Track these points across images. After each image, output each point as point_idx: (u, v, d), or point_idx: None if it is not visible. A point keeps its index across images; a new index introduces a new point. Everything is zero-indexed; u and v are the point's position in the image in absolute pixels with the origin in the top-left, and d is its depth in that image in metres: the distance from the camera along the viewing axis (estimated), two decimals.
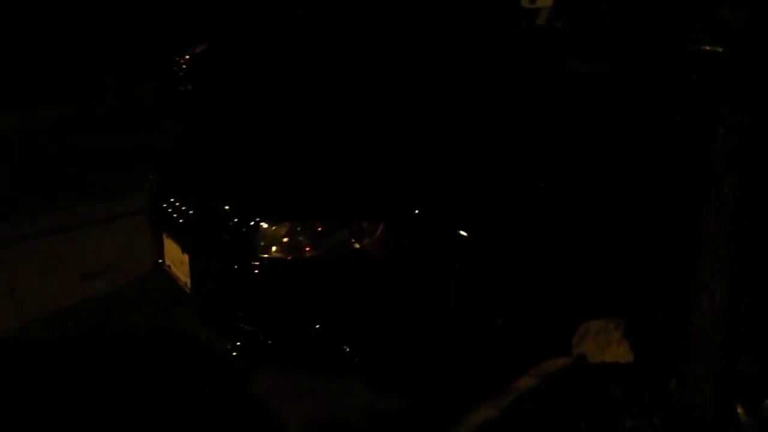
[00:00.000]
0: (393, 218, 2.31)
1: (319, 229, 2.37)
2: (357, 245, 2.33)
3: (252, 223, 2.43)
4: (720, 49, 2.00)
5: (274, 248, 2.40)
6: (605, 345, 2.35)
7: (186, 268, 2.70)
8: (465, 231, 2.35)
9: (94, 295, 3.51)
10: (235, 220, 2.49)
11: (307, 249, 2.37)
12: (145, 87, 8.87)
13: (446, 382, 2.45)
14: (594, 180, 2.64)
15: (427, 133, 2.62)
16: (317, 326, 2.37)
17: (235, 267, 2.46)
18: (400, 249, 2.31)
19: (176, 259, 2.79)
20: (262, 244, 2.41)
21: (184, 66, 8.09)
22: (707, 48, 2.73)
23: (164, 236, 2.88)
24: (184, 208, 2.74)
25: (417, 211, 2.33)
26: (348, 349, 2.35)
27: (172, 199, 2.82)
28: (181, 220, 2.74)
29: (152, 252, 3.07)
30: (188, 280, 2.70)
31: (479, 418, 2.08)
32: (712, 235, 1.86)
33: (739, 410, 1.96)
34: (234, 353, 2.56)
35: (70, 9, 10.36)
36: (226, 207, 2.55)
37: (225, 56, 7.97)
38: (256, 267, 2.42)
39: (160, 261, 2.99)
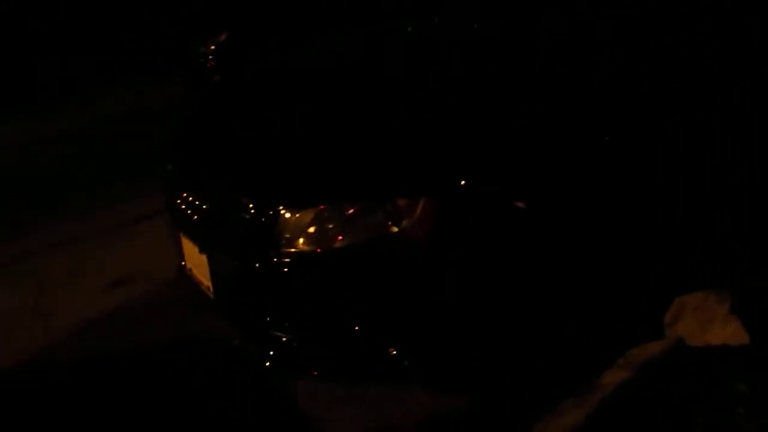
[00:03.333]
0: (434, 193, 1.92)
1: (350, 212, 2.01)
2: (395, 228, 1.95)
3: (272, 212, 2.08)
4: None
5: (300, 240, 2.05)
6: (707, 323, 1.93)
7: (206, 270, 2.38)
8: (521, 201, 1.95)
9: (120, 304, 3.25)
10: (253, 211, 2.14)
11: (338, 238, 2.01)
12: (157, 87, 8.60)
13: (516, 376, 2.08)
14: (670, 125, 2.19)
15: (462, 92, 2.21)
16: (357, 328, 2.01)
17: (258, 266, 2.12)
18: (445, 229, 1.92)
19: (195, 260, 2.47)
20: (287, 236, 2.06)
21: (210, 57, 7.80)
22: None
23: (181, 236, 2.56)
24: (197, 203, 2.41)
25: (462, 182, 1.94)
26: (396, 352, 1.99)
27: (185, 194, 2.50)
28: (195, 217, 2.41)
29: (175, 255, 2.78)
30: (210, 284, 2.38)
31: (564, 424, 1.69)
32: None
33: None
34: (267, 364, 2.23)
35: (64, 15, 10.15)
36: (242, 197, 2.20)
37: (252, 39, 7.62)
38: (281, 264, 2.08)
39: (183, 264, 2.68)
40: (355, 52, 2.88)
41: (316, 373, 2.17)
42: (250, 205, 2.15)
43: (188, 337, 2.87)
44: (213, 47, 7.91)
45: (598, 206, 2.02)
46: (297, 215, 2.05)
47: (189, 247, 2.51)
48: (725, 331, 1.89)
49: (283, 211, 2.07)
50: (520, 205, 1.94)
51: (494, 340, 2.00)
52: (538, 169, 1.98)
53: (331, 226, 2.02)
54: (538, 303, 1.98)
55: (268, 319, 2.16)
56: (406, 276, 1.95)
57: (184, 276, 2.70)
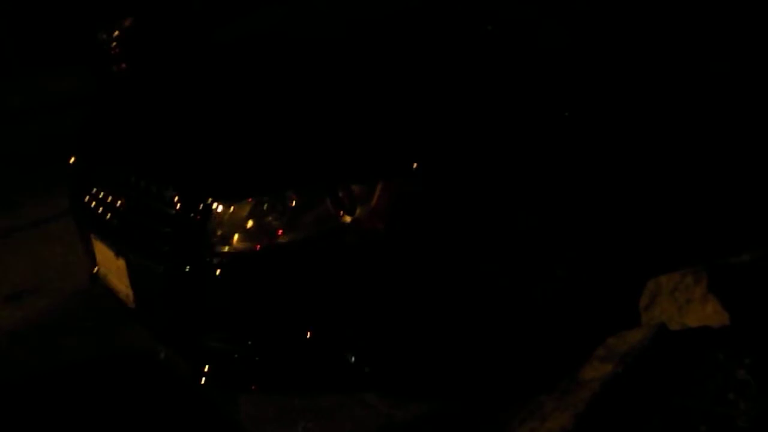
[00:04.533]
0: (392, 175, 1.69)
1: (293, 202, 1.75)
2: (347, 218, 1.71)
3: (201, 206, 1.79)
4: None
5: (236, 237, 1.77)
6: (685, 304, 1.80)
7: (124, 276, 2.06)
8: (487, 182, 1.76)
9: (20, 319, 2.84)
10: (179, 205, 1.84)
11: (280, 232, 1.75)
12: (62, 76, 7.94)
13: (485, 376, 1.89)
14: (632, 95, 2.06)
15: (418, 58, 1.99)
16: (309, 334, 1.76)
17: (187, 269, 1.83)
18: (406, 216, 1.70)
19: (111, 266, 2.14)
20: (219, 233, 1.78)
21: (114, 44, 7.24)
22: None
23: (92, 239, 2.22)
24: (110, 199, 2.08)
25: (424, 162, 1.72)
26: (354, 358, 1.75)
27: (94, 191, 2.16)
28: (109, 216, 2.08)
29: (86, 260, 2.43)
30: (130, 291, 2.06)
31: (552, 428, 1.51)
32: None
33: None
34: (202, 379, 1.95)
35: None
36: (164, 190, 1.89)
37: (159, 25, 7.12)
38: (214, 265, 1.79)
39: (95, 270, 2.33)
40: (291, 27, 2.60)
41: (260, 387, 1.91)
42: (175, 199, 1.85)
43: (105, 355, 2.53)
44: (117, 33, 7.35)
45: (567, 185, 1.86)
46: (231, 208, 1.78)
47: (102, 251, 2.18)
48: (704, 311, 1.77)
49: (214, 205, 1.78)
50: (487, 186, 1.74)
51: (463, 336, 1.79)
52: (505, 147, 1.79)
53: (270, 219, 1.76)
54: (507, 292, 1.80)
55: (201, 329, 1.88)
56: (364, 271, 1.71)
57: (98, 284, 2.36)
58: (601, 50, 2.07)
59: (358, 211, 1.69)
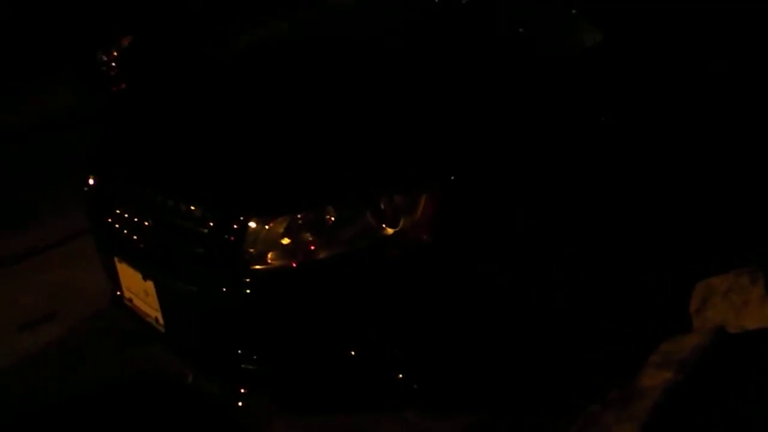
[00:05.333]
0: (440, 184, 1.63)
1: (331, 216, 1.68)
2: (389, 230, 1.65)
3: (236, 224, 1.72)
4: None
5: (272, 254, 1.71)
6: (742, 306, 1.74)
7: (153, 299, 1.99)
8: (532, 192, 1.70)
9: (38, 348, 2.74)
10: (211, 224, 1.78)
11: (319, 248, 1.68)
12: (56, 94, 7.84)
13: (532, 385, 1.83)
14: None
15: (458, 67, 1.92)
16: (353, 353, 1.69)
17: (222, 288, 1.76)
18: (452, 226, 1.63)
19: (138, 288, 2.07)
20: (253, 251, 1.71)
21: (113, 64, 7.17)
22: None
23: (116, 261, 2.15)
24: (137, 220, 2.01)
25: (467, 172, 1.65)
26: (402, 376, 1.68)
27: (118, 212, 2.09)
28: (135, 238, 2.01)
29: (108, 283, 2.35)
30: (159, 314, 2.00)
31: None
32: None
33: None
34: (239, 402, 1.88)
35: None
36: (196, 209, 1.82)
37: (159, 44, 7.04)
38: (251, 284, 1.73)
39: (118, 293, 2.26)
40: (325, 34, 2.52)
41: (301, 408, 1.84)
42: (208, 218, 1.78)
43: (129, 380, 2.44)
44: (116, 54, 7.28)
45: (608, 190, 1.80)
46: (267, 226, 1.71)
47: (128, 274, 2.11)
48: (763, 312, 1.71)
49: (249, 222, 1.71)
50: (532, 196, 1.68)
51: (514, 346, 1.73)
52: (544, 154, 1.73)
53: (308, 235, 1.69)
54: (557, 300, 1.73)
55: (238, 350, 1.80)
56: (410, 285, 1.64)
57: (122, 308, 2.29)
58: (635, 52, 2.02)
59: (402, 222, 1.63)
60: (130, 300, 2.17)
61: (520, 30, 2.00)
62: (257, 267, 1.71)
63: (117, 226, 2.09)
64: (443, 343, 1.68)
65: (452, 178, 1.63)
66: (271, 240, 1.70)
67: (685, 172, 1.99)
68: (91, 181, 2.30)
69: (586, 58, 1.97)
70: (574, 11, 2.05)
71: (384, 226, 1.64)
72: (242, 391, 1.86)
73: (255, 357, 1.80)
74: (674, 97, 2.01)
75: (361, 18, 2.52)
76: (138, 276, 2.02)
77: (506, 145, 1.71)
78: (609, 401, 1.61)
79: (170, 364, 2.25)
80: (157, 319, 2.02)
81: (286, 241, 1.70)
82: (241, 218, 1.72)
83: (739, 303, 1.73)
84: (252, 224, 1.71)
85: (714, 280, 1.80)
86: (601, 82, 1.93)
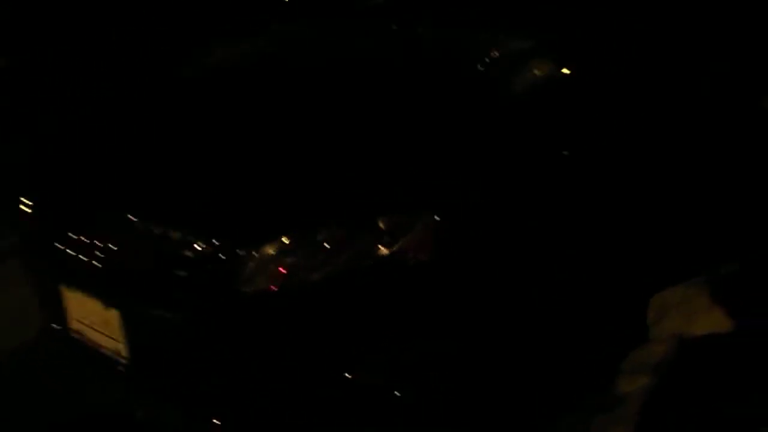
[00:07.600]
0: (435, 206, 1.67)
1: (325, 238, 1.67)
2: (386, 250, 1.67)
3: (226, 247, 1.66)
4: None
5: (265, 278, 1.66)
6: (692, 315, 1.92)
7: (115, 329, 1.85)
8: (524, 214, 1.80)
9: None
10: (195, 245, 1.70)
11: (314, 269, 1.66)
12: None
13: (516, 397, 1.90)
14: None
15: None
16: (353, 376, 1.67)
17: (209, 315, 1.69)
18: (449, 248, 1.68)
19: (93, 319, 1.92)
20: (248, 275, 1.65)
21: None
22: None
23: (64, 290, 1.98)
24: (97, 244, 1.87)
25: (466, 194, 1.72)
26: (401, 394, 1.69)
27: (72, 235, 1.93)
28: (95, 264, 1.87)
29: (41, 314, 2.16)
30: (122, 346, 1.86)
31: None
32: None
33: None
34: None
35: None
36: (176, 229, 1.73)
37: (39, 66, 6.53)
38: (238, 308, 1.67)
39: (57, 326, 2.08)
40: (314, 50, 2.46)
41: None
42: (191, 238, 1.70)
43: (72, 417, 2.24)
44: None
45: (588, 211, 1.94)
46: (260, 248, 1.66)
47: (80, 303, 1.95)
48: (710, 320, 1.90)
49: (242, 245, 1.66)
50: (524, 218, 1.77)
51: (504, 363, 1.79)
52: (536, 181, 1.83)
53: (301, 257, 1.67)
54: (545, 316, 1.83)
55: (224, 383, 1.72)
56: (408, 309, 1.66)
57: (58, 340, 2.11)
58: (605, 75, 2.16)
59: (401, 240, 1.65)
60: (79, 332, 2.00)
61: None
62: (251, 291, 1.65)
63: (69, 251, 1.93)
64: (439, 362, 1.71)
65: (451, 200, 1.68)
66: (264, 263, 1.66)
67: (646, 198, 2.14)
68: (29, 203, 2.11)
69: (542, 89, 2.10)
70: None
71: (379, 245, 1.66)
72: (217, 423, 1.78)
73: (245, 390, 1.72)
74: (623, 132, 2.17)
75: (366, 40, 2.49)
76: (96, 304, 1.88)
77: (500, 171, 1.80)
78: (592, 408, 1.72)
79: (121, 400, 2.10)
80: (118, 351, 1.88)
81: (278, 263, 1.66)
82: (233, 241, 1.66)
83: (689, 313, 1.92)
84: (245, 247, 1.66)
85: (665, 293, 1.98)
86: (560, 113, 2.07)
